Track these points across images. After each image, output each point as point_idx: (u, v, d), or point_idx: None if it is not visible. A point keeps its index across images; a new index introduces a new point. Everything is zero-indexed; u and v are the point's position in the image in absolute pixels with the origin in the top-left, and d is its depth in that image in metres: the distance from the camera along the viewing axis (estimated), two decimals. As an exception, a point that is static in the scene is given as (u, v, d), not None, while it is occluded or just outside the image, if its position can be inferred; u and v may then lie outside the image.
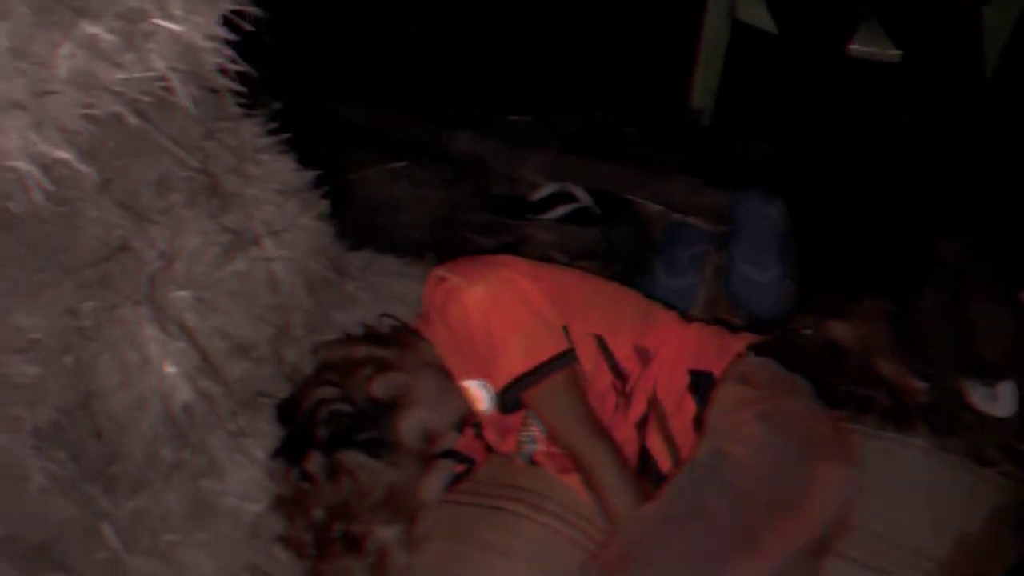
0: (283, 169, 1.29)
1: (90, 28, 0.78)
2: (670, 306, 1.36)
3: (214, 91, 1.01)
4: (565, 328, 1.19)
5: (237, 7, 0.93)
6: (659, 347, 1.24)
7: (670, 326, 1.29)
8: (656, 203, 1.91)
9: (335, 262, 1.41)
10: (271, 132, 1.26)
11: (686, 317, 1.34)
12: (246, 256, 1.14)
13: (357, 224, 1.54)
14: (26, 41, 0.72)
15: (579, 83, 2.18)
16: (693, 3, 2.05)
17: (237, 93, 1.03)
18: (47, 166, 0.79)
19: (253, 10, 0.94)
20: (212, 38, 0.93)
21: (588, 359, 1.21)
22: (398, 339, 1.25)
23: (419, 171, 1.90)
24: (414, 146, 1.98)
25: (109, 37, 0.80)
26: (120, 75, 0.81)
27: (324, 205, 1.37)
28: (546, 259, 1.52)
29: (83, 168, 0.80)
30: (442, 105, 2.14)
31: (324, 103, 1.95)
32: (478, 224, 1.78)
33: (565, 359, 1.17)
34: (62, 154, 0.78)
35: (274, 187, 1.26)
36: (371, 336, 1.26)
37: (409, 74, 2.20)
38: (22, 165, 0.75)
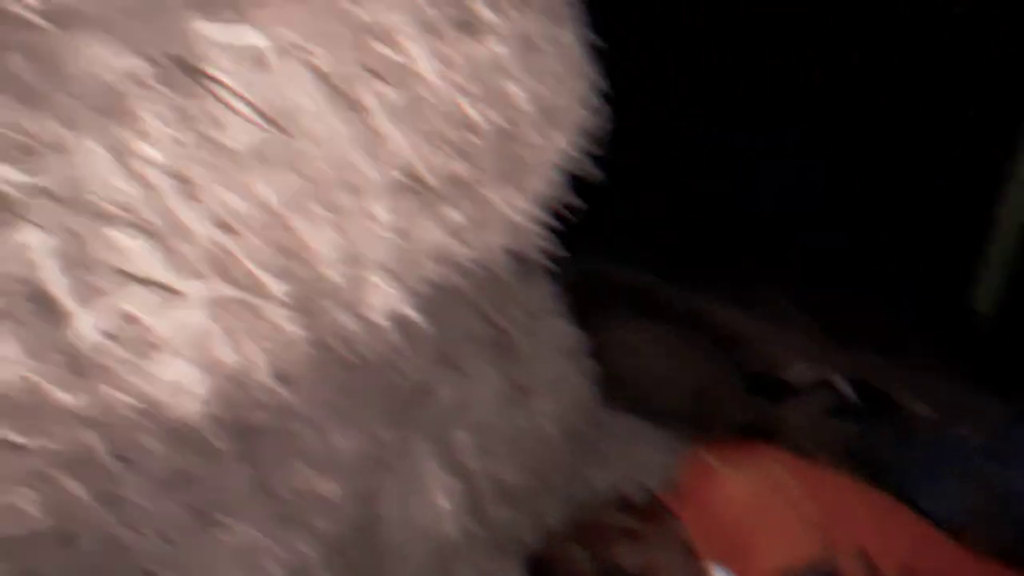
0: (562, 330, 1.40)
1: (449, 211, 0.93)
2: (937, 526, 1.27)
3: (525, 261, 1.15)
4: (826, 534, 1.16)
5: (560, 199, 1.06)
6: (931, 573, 1.16)
7: (943, 551, 1.20)
8: (925, 405, 1.80)
9: (595, 422, 1.47)
10: (558, 297, 1.38)
11: (960, 541, 1.24)
12: (524, 409, 1.24)
13: (615, 386, 1.60)
14: (403, 232, 0.88)
15: (853, 267, 2.15)
16: (984, 204, 1.99)
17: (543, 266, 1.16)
18: (394, 319, 0.93)
19: (573, 200, 1.07)
20: (535, 220, 1.06)
21: (849, 572, 1.15)
22: (650, 512, 1.27)
23: (677, 340, 1.94)
24: (674, 313, 2.03)
25: (460, 219, 0.94)
26: (464, 250, 0.95)
27: (592, 365, 1.46)
28: (798, 449, 1.48)
29: (422, 324, 0.93)
30: (702, 275, 2.19)
31: (594, 267, 2.07)
32: (733, 400, 1.78)
33: (823, 567, 1.13)
34: (410, 312, 0.91)
35: (553, 346, 1.36)
36: (625, 504, 1.29)
37: (670, 243, 2.29)
38: (381, 320, 0.89)
